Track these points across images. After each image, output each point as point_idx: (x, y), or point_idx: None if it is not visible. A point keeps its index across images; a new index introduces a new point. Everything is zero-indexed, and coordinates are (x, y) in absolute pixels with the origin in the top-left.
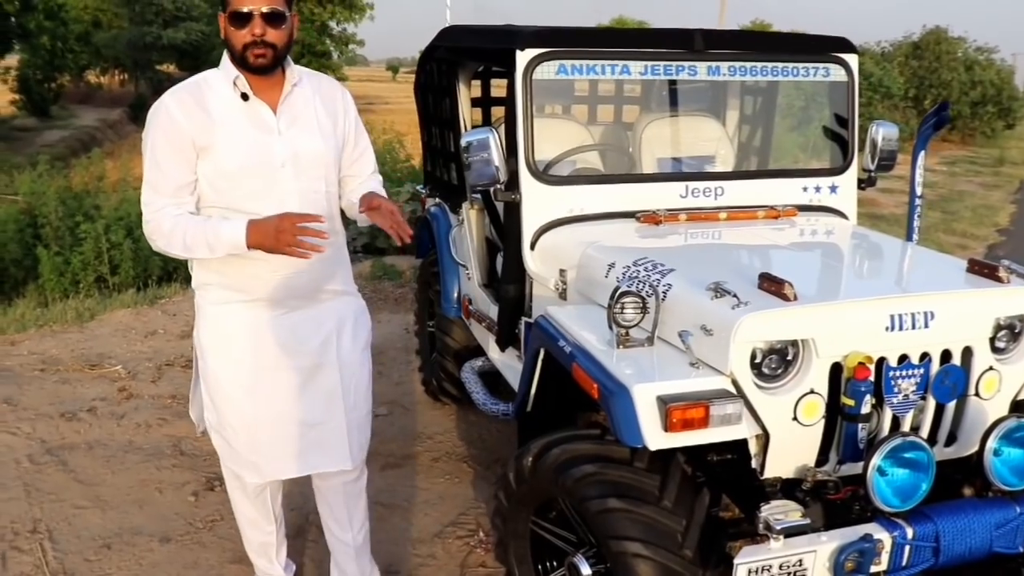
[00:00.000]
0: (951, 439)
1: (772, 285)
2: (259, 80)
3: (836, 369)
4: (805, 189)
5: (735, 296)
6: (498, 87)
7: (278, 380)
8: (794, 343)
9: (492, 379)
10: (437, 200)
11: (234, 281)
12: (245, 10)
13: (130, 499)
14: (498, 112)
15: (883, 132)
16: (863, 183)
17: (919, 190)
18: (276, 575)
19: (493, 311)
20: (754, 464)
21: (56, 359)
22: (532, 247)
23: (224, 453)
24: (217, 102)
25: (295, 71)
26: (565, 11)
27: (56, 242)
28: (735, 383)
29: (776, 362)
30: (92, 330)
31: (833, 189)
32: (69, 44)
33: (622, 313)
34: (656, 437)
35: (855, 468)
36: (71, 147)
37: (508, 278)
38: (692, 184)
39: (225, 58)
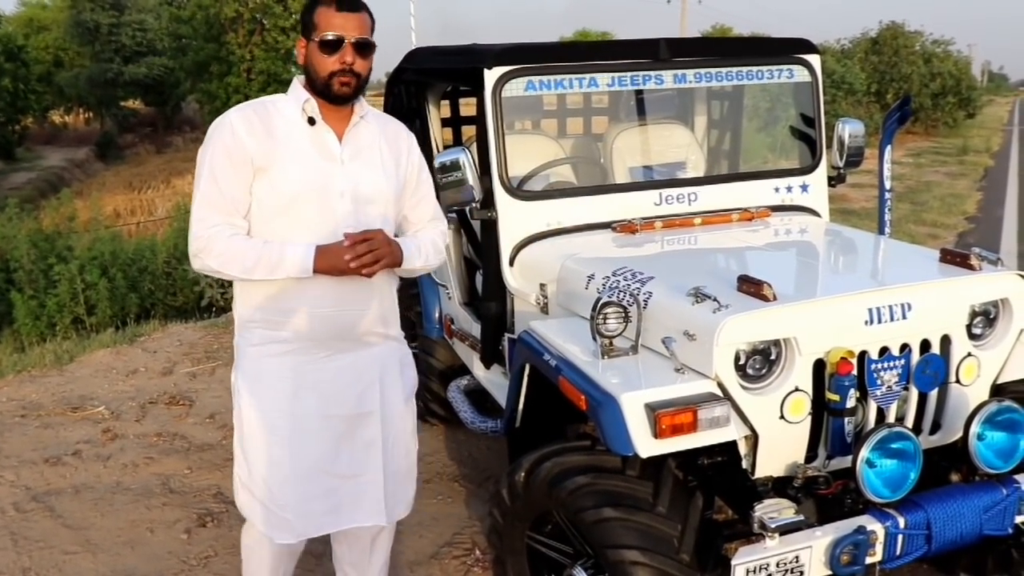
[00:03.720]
0: (935, 427)
1: (751, 287)
2: (329, 109)
3: (819, 365)
4: (777, 190)
5: (715, 300)
6: (467, 106)
7: (316, 429)
8: (776, 343)
9: (478, 397)
10: None
11: (280, 317)
12: (335, 37)
13: (121, 541)
14: (468, 131)
15: (849, 129)
16: (833, 180)
17: (888, 184)
18: None
19: (476, 329)
20: (744, 464)
21: (37, 403)
22: (511, 263)
23: (248, 508)
24: (282, 123)
25: (363, 105)
26: (531, 27)
27: (30, 285)
28: (721, 386)
29: (760, 362)
30: (72, 372)
31: (804, 188)
32: (31, 85)
33: (604, 323)
34: (646, 444)
35: (844, 462)
36: (39, 188)
37: (489, 295)
38: (665, 191)
39: (295, 82)
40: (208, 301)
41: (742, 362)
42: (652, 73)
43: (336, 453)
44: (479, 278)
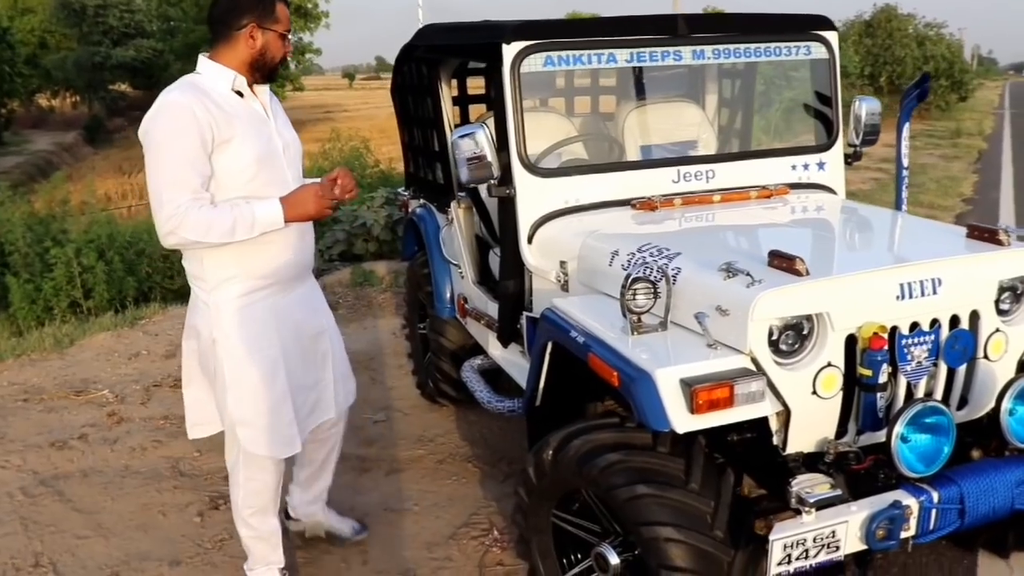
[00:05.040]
0: (962, 403)
1: (783, 262)
2: (254, 82)
3: (850, 341)
4: (794, 167)
5: (748, 275)
6: (474, 87)
7: (294, 352)
8: (809, 318)
9: (492, 377)
10: (422, 201)
11: (256, 268)
12: (288, 30)
13: (133, 525)
14: (476, 110)
15: (866, 107)
16: (849, 158)
17: (905, 161)
18: (277, 559)
19: (491, 308)
20: (775, 440)
21: (39, 388)
22: (529, 241)
23: (256, 441)
24: (223, 100)
25: None
26: (523, 7)
27: (26, 269)
28: (754, 361)
29: (793, 338)
30: (73, 356)
31: (821, 166)
32: (17, 68)
33: (634, 299)
34: (683, 420)
35: (874, 437)
36: (28, 173)
37: (506, 274)
38: (684, 168)
39: (207, 62)
40: None
41: (775, 337)
42: (671, 49)
43: (306, 368)
44: (492, 257)
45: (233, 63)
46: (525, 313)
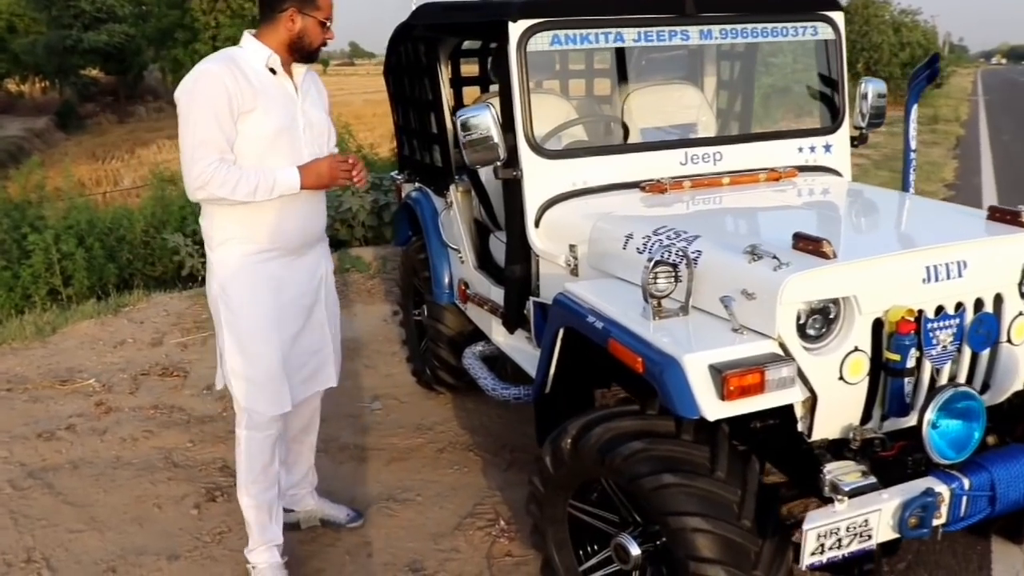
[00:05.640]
0: (984, 387)
1: (809, 244)
2: (290, 62)
3: (876, 325)
4: (800, 149)
5: (775, 258)
6: (466, 71)
7: (293, 316)
8: (835, 301)
9: (493, 363)
10: (417, 185)
11: (260, 230)
12: (329, 18)
13: (128, 518)
14: (470, 93)
15: (872, 88)
16: (856, 140)
17: (913, 144)
18: (275, 535)
19: (495, 293)
20: (800, 427)
21: (22, 377)
22: (536, 224)
23: (248, 394)
24: (253, 74)
25: None
26: None
27: (2, 256)
28: (782, 346)
29: (820, 322)
30: (56, 344)
31: (828, 148)
32: None
33: (655, 283)
34: (713, 407)
35: (899, 423)
36: None
37: (512, 258)
38: (691, 151)
39: (251, 39)
40: (189, 271)
41: (802, 322)
42: (678, 29)
43: (303, 333)
44: (493, 241)
45: (272, 42)
46: (532, 298)
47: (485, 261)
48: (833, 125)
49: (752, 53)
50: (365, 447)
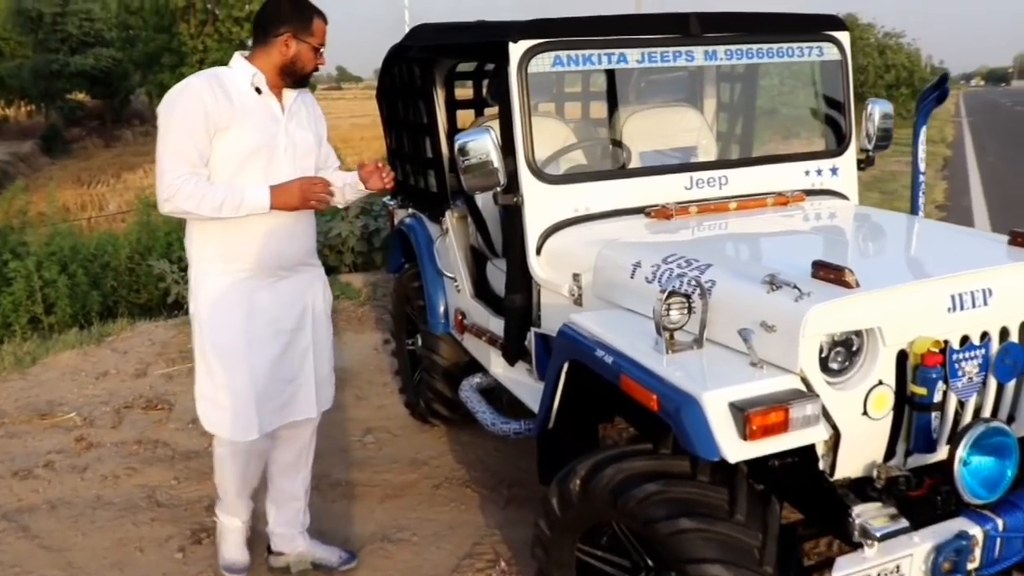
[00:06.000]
0: (1009, 419)
1: (830, 273)
2: (279, 83)
3: (900, 357)
4: (807, 173)
5: (795, 288)
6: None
7: (268, 341)
8: (858, 333)
9: (491, 396)
10: (411, 211)
11: (235, 250)
12: (323, 45)
13: (108, 563)
14: (464, 116)
15: (879, 109)
16: (862, 163)
17: (922, 166)
18: (239, 521)
19: (493, 324)
20: (821, 465)
21: (0, 411)
22: (538, 252)
23: (211, 417)
24: (235, 91)
25: None
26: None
27: None
28: (804, 381)
29: (843, 355)
30: (36, 376)
31: (834, 171)
32: None
33: (668, 315)
34: (734, 448)
35: (923, 459)
36: None
37: (513, 287)
38: (696, 175)
39: (240, 59)
40: (175, 298)
41: (824, 355)
42: (683, 49)
43: (281, 360)
44: (491, 269)
45: (265, 65)
46: (533, 329)
47: (482, 290)
48: (840, 148)
49: (753, 75)
50: (358, 483)
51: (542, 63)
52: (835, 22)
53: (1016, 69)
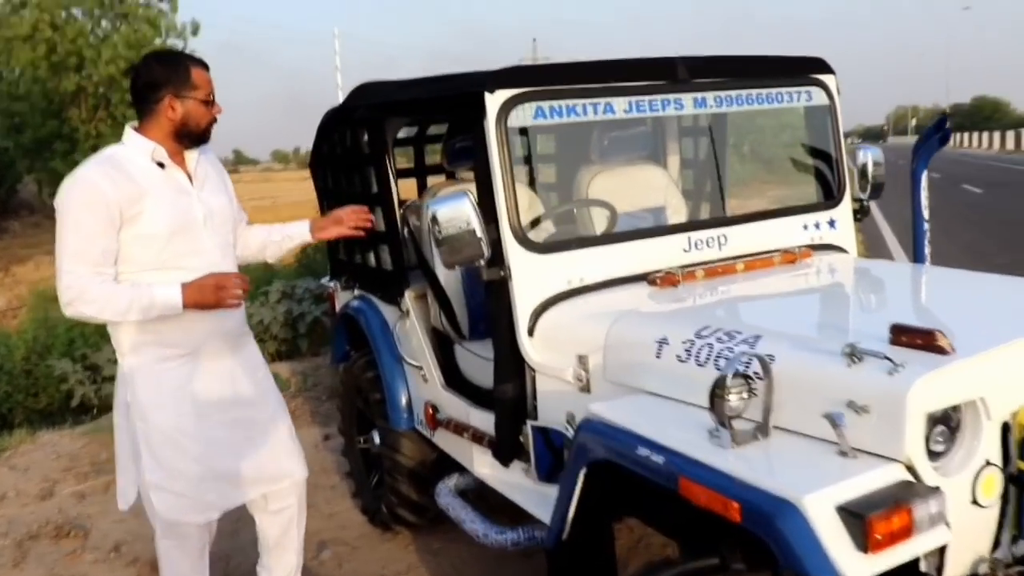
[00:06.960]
0: None
1: (915, 337)
2: (175, 151)
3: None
4: (806, 227)
5: (887, 358)
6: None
7: (218, 422)
8: (956, 407)
9: (469, 498)
10: (358, 292)
11: (171, 337)
12: (211, 94)
13: None
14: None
15: (871, 156)
16: (859, 213)
17: (925, 213)
18: None
19: (475, 417)
20: (924, 567)
21: None
22: (531, 333)
23: (172, 506)
24: (136, 171)
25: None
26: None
27: None
28: (911, 470)
29: (944, 434)
30: None
31: (832, 224)
32: None
33: (728, 401)
34: (855, 564)
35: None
36: None
37: (502, 375)
38: (694, 235)
39: (132, 134)
40: (79, 401)
41: (925, 435)
42: (671, 97)
43: (236, 439)
44: (460, 352)
45: (157, 135)
46: (530, 423)
47: (454, 378)
48: (836, 199)
49: (721, 126)
50: None
51: (523, 115)
52: (820, 65)
53: (890, 126)
